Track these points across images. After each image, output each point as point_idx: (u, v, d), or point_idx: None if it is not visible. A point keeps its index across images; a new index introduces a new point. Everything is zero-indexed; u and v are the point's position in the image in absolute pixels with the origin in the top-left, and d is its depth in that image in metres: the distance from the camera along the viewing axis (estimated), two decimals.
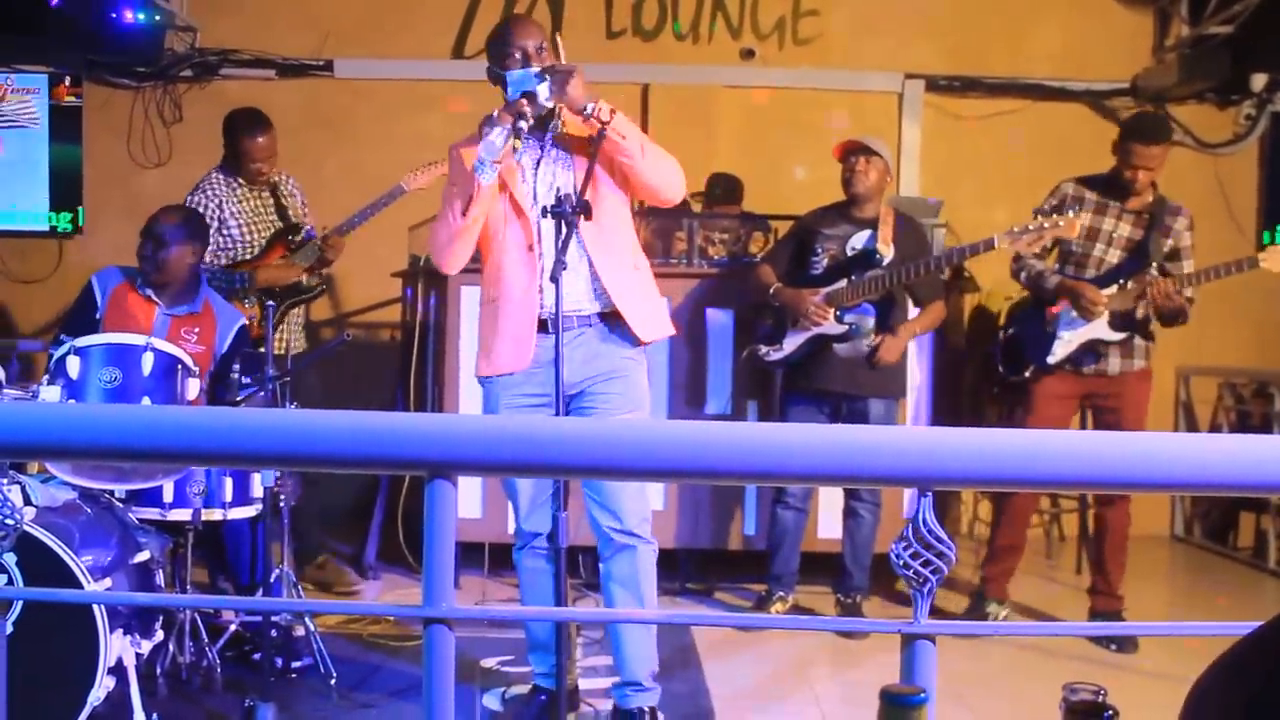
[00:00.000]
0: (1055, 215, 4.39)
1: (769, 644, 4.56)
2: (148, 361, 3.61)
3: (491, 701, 3.79)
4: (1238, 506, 6.80)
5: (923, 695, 0.92)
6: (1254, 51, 6.42)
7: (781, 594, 4.92)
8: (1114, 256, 4.61)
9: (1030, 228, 4.37)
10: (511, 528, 5.31)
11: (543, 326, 3.38)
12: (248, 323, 4.47)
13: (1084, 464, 1.30)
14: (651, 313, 3.52)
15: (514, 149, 3.32)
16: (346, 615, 4.64)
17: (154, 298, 4.21)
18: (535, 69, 3.26)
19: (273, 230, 5.01)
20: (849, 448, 1.38)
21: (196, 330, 4.24)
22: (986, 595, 4.86)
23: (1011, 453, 1.29)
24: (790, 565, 4.93)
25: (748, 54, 7.04)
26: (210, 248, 4.70)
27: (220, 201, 4.92)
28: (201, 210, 4.82)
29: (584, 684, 3.96)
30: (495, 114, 3.27)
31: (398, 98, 6.92)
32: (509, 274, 3.41)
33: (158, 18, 6.56)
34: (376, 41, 6.93)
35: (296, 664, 3.93)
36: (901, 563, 1.30)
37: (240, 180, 4.98)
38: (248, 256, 4.95)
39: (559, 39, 3.54)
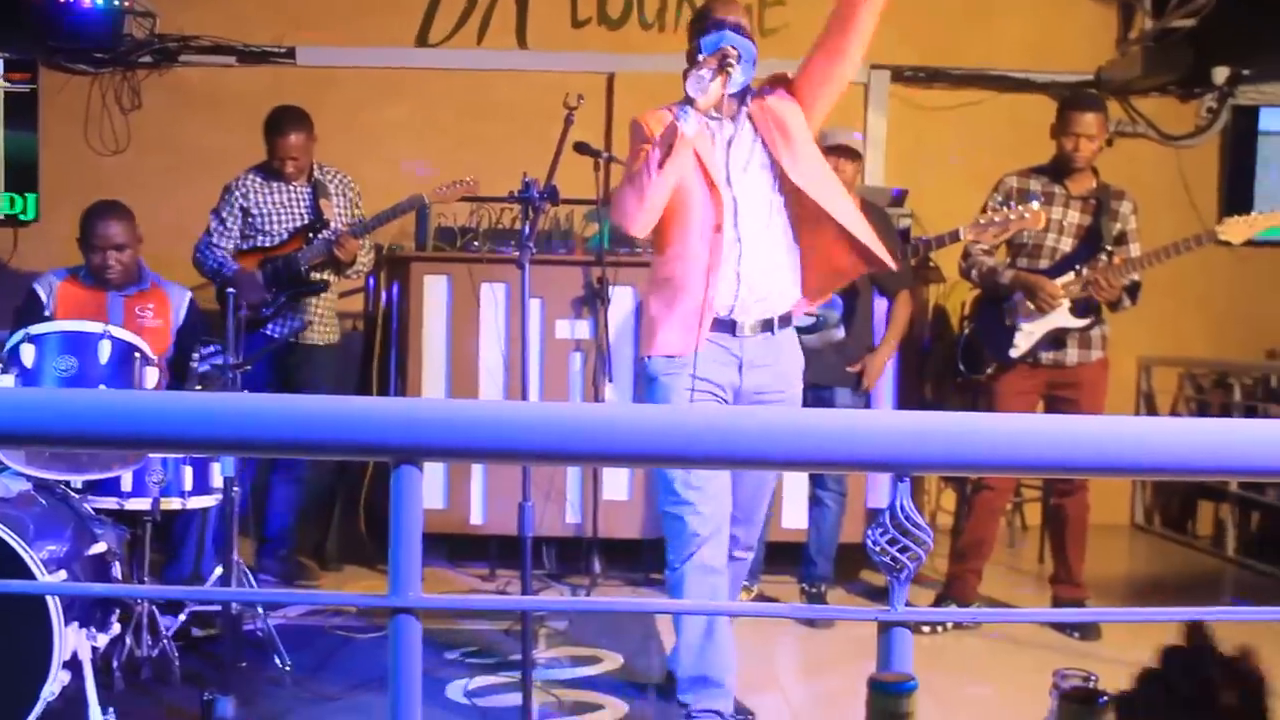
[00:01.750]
0: (1019, 206, 4.35)
1: (734, 632, 4.54)
2: (105, 349, 3.54)
3: (456, 693, 3.75)
4: (1197, 496, 6.87)
5: (913, 682, 0.90)
6: (1216, 45, 6.46)
7: (746, 582, 4.91)
8: (1066, 245, 4.61)
9: (996, 220, 4.36)
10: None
11: (721, 324, 3.22)
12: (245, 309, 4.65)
13: (1067, 447, 1.28)
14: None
15: (721, 96, 3.11)
16: (308, 607, 4.58)
17: (101, 286, 4.27)
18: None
19: (299, 225, 5.12)
20: (825, 432, 1.36)
21: (151, 306, 4.33)
22: (950, 595, 4.78)
23: (992, 436, 1.28)
24: (756, 555, 4.92)
25: None
26: (232, 238, 5.12)
27: (244, 194, 5.13)
28: (219, 204, 5.15)
29: (547, 674, 3.93)
30: (700, 57, 3.13)
31: (361, 86, 6.84)
32: (691, 253, 3.21)
33: (116, 2, 6.46)
34: (339, 29, 6.85)
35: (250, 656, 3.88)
36: (878, 549, 1.27)
37: (278, 176, 5.14)
38: (266, 246, 5.12)
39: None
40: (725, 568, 3.34)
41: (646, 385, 3.37)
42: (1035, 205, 4.31)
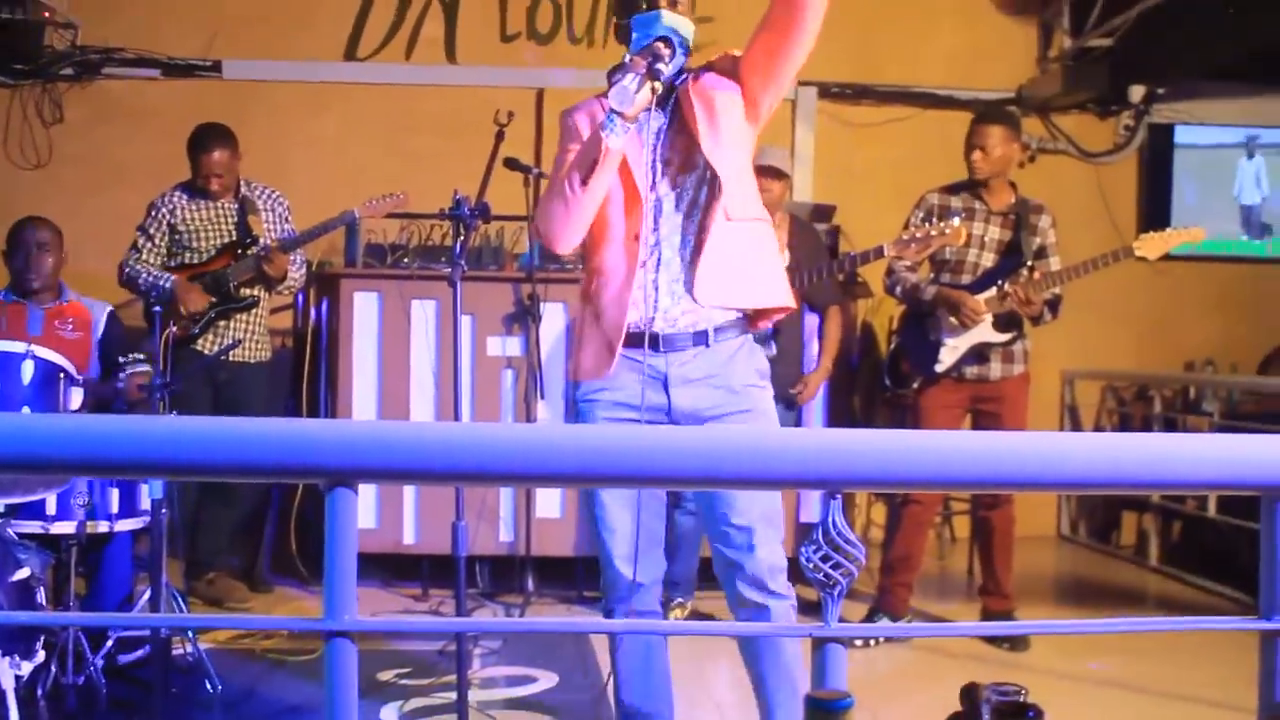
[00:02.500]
0: (941, 223, 4.36)
1: (669, 649, 4.54)
2: (28, 370, 3.49)
3: (390, 715, 3.72)
4: (1120, 507, 7.00)
5: (849, 699, 0.92)
6: (1132, 64, 6.63)
7: (680, 599, 4.92)
8: (988, 260, 4.68)
9: (918, 236, 4.38)
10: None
11: (646, 340, 2.79)
12: (174, 326, 4.73)
13: (994, 463, 1.31)
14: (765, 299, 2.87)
15: (649, 103, 2.69)
16: (239, 631, 4.51)
17: (19, 300, 4.28)
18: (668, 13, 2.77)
19: (226, 241, 5.07)
20: (753, 450, 1.37)
21: (71, 320, 4.33)
22: (881, 609, 4.81)
23: (921, 453, 1.30)
24: (689, 571, 4.94)
25: None
26: (159, 254, 5.07)
27: (170, 211, 5.10)
28: (145, 220, 5.10)
29: (482, 695, 3.91)
30: (627, 58, 2.73)
31: (288, 100, 6.79)
32: (609, 266, 2.85)
33: (31, 14, 6.33)
34: (266, 42, 6.78)
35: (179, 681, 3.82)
36: (811, 565, 1.29)
37: (204, 193, 5.09)
38: (194, 263, 5.06)
39: None
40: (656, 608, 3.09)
41: (568, 412, 3.15)
42: (956, 221, 4.34)
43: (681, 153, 2.84)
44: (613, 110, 2.66)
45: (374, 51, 6.92)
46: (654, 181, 2.83)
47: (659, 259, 2.82)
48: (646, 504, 2.88)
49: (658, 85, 2.67)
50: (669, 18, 2.78)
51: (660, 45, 2.69)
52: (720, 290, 2.81)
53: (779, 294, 2.87)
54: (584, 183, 2.72)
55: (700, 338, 2.82)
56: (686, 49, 2.81)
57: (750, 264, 2.83)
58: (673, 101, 2.86)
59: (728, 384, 2.84)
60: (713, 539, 2.88)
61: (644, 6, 2.81)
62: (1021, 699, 1.05)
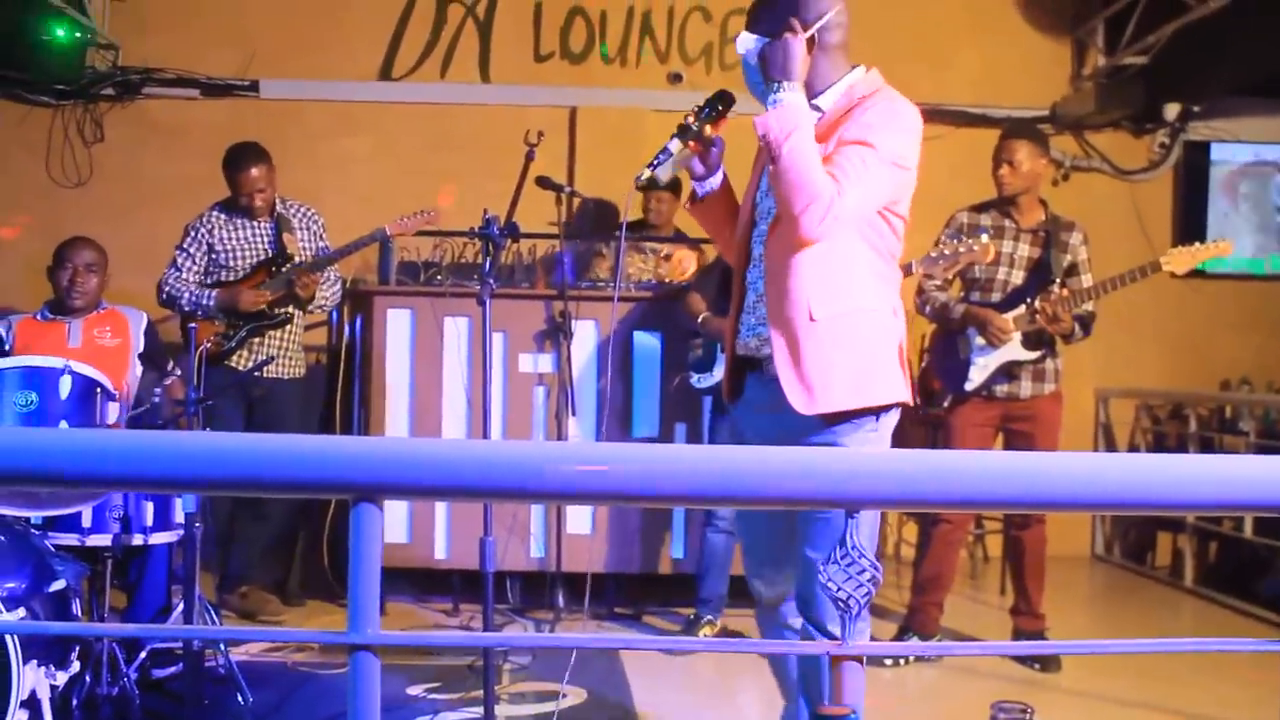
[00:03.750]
0: (969, 240, 4.35)
1: (697, 667, 4.55)
2: (65, 385, 3.53)
3: None
4: (1155, 527, 6.94)
5: (854, 715, 0.93)
6: (1167, 81, 6.61)
7: (710, 618, 4.92)
8: (1017, 278, 4.66)
9: (946, 253, 4.37)
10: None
11: (754, 365, 2.83)
12: (209, 344, 4.84)
13: (1016, 484, 1.31)
14: (832, 381, 2.66)
15: (670, 170, 2.82)
16: (271, 644, 4.55)
17: (57, 318, 4.37)
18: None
19: (261, 259, 5.14)
20: (776, 469, 1.38)
21: (109, 327, 4.41)
22: (911, 628, 4.78)
23: (941, 473, 1.31)
24: (719, 589, 4.93)
25: (675, 78, 7.09)
26: (197, 272, 5.12)
27: (209, 231, 5.13)
28: (183, 240, 5.16)
29: (510, 710, 3.92)
30: (687, 119, 2.79)
31: (324, 119, 6.86)
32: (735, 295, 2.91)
33: (78, 34, 6.45)
34: (302, 62, 6.87)
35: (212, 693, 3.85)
36: (830, 584, 1.30)
37: (242, 211, 5.16)
38: (230, 280, 5.12)
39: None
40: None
41: None
42: (984, 239, 4.34)
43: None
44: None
45: (409, 71, 6.99)
46: (756, 217, 2.85)
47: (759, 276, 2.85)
48: (769, 524, 2.85)
49: (667, 172, 2.81)
50: (740, 39, 2.81)
51: (689, 118, 2.79)
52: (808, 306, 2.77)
53: None
54: (690, 203, 2.95)
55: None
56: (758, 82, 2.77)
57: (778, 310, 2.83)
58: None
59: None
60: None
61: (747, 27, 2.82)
62: (1028, 717, 1.05)
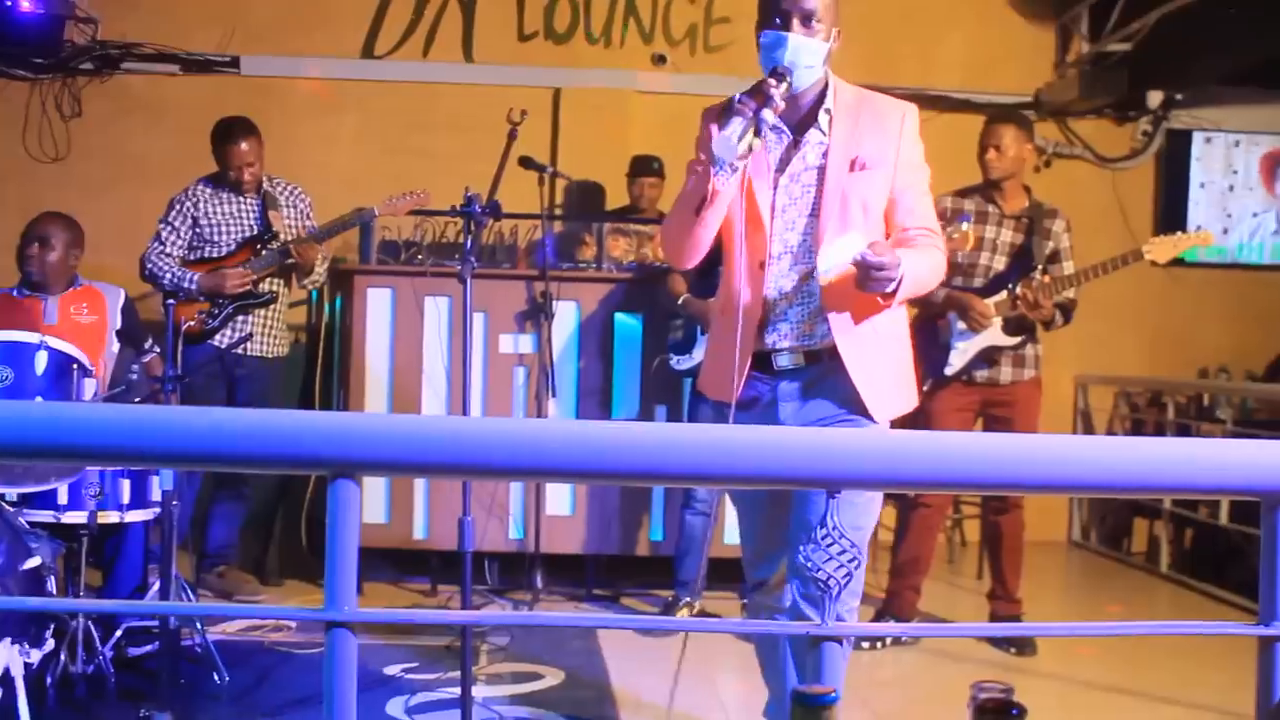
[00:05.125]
0: (949, 229, 4.38)
1: (675, 648, 4.55)
2: (41, 360, 3.51)
3: (396, 709, 3.73)
4: (1132, 513, 6.98)
5: (834, 695, 0.92)
6: (1151, 69, 6.61)
7: (688, 599, 4.93)
8: (999, 263, 4.67)
9: None
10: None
11: (762, 363, 2.77)
12: (193, 322, 4.82)
13: (994, 465, 1.31)
14: (899, 382, 2.78)
15: (751, 147, 2.57)
16: (248, 622, 4.54)
17: (33, 294, 4.32)
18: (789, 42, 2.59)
19: (247, 236, 5.09)
20: (757, 449, 1.38)
21: (86, 304, 4.38)
22: (889, 612, 4.80)
23: (921, 454, 1.30)
24: (696, 570, 4.94)
25: (659, 59, 7.06)
26: (181, 246, 5.06)
27: (194, 204, 5.08)
28: (168, 213, 5.09)
29: (488, 690, 3.92)
30: (737, 98, 2.57)
31: (305, 97, 6.82)
32: (737, 290, 2.73)
33: (57, 8, 6.39)
34: (284, 39, 6.82)
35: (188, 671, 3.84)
36: (809, 565, 1.30)
37: (229, 186, 5.10)
38: (215, 256, 5.06)
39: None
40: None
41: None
42: (964, 226, 4.35)
43: (807, 172, 2.77)
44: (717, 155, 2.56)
45: (391, 49, 6.95)
46: (775, 211, 2.75)
47: (775, 274, 2.79)
48: (770, 508, 2.76)
49: (756, 143, 2.58)
50: (794, 44, 2.62)
51: (771, 83, 2.56)
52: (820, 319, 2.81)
53: None
54: (697, 211, 2.66)
55: (814, 357, 2.78)
56: (820, 58, 2.67)
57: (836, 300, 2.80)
58: (817, 127, 2.73)
59: (843, 397, 2.77)
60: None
61: (776, 22, 2.64)
62: (1006, 697, 1.05)
